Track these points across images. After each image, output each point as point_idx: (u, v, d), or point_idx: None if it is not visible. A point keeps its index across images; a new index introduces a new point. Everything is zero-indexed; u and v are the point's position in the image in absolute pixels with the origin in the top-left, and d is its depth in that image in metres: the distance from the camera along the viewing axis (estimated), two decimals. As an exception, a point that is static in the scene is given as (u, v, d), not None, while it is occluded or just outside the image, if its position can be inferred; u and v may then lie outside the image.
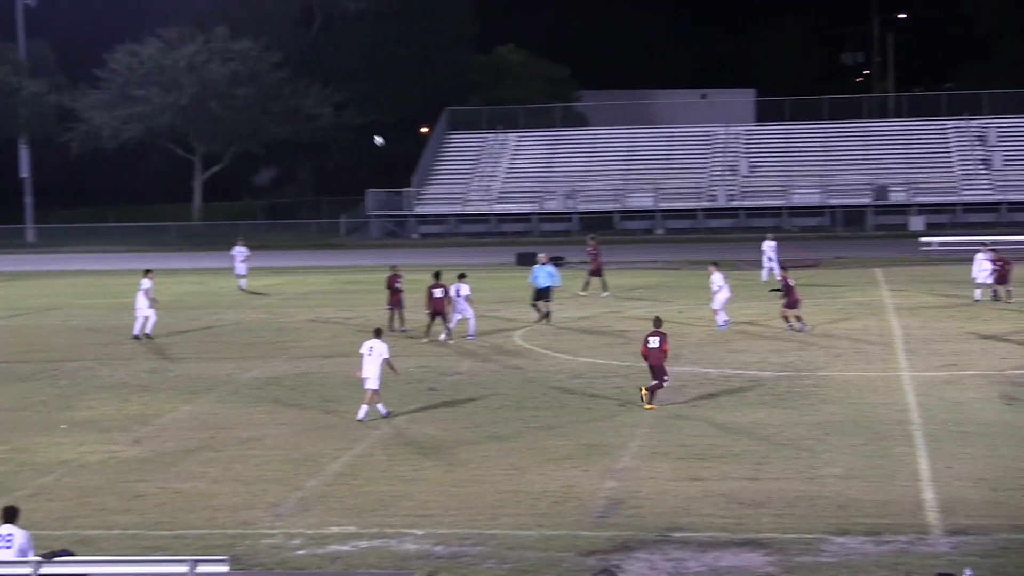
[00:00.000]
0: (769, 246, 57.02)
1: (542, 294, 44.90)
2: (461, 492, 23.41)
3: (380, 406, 29.86)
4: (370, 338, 30.33)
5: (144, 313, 43.83)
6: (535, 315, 45.09)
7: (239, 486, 24.24)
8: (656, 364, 30.17)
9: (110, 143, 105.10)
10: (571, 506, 22.34)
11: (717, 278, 42.69)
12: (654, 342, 30.15)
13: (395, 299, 43.71)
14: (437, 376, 34.87)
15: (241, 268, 59.14)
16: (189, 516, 22.39)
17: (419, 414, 30.25)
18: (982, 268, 48.65)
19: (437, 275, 41.64)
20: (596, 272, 53.45)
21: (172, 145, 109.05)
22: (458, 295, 41.33)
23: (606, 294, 52.65)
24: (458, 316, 41.59)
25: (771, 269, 56.04)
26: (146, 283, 43.95)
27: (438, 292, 40.78)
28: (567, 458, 25.61)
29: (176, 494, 23.81)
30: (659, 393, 30.15)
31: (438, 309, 40.85)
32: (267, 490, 23.92)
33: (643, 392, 30.29)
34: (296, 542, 20.85)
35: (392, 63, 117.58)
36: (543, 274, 45.03)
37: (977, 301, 48.18)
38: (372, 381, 29.54)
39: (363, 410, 29.59)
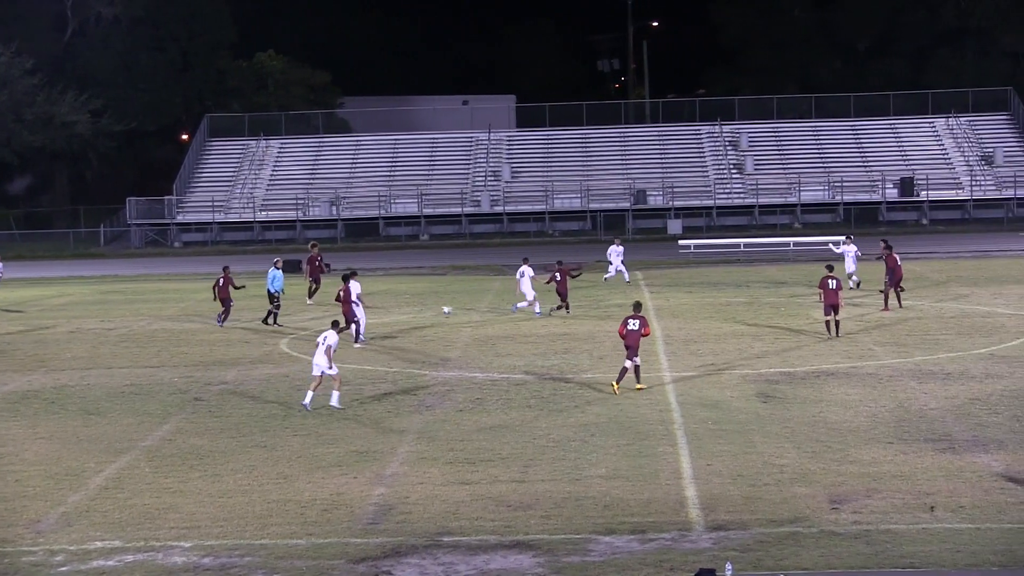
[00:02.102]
0: (615, 250, 59.10)
1: (272, 297, 46.72)
2: (229, 503, 23.17)
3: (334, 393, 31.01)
4: (326, 329, 31.49)
5: None
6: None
7: (-3, 504, 23.60)
8: (634, 344, 31.58)
9: None
10: (341, 513, 22.31)
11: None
12: (634, 324, 31.59)
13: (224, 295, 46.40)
14: (202, 386, 34.43)
15: None
16: (-55, 536, 21.71)
17: (184, 424, 29.82)
18: (853, 258, 52.37)
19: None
20: (315, 278, 53.00)
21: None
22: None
23: (310, 302, 52.24)
24: None
25: (619, 270, 58.70)
26: None
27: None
28: (336, 465, 25.55)
29: (-69, 514, 23.06)
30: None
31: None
32: (27, 506, 23.30)
33: (637, 385, 31.94)
34: (58, 559, 20.38)
35: (150, 69, 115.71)
36: (278, 277, 46.71)
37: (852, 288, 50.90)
38: (332, 367, 30.66)
39: (335, 396, 30.80)
